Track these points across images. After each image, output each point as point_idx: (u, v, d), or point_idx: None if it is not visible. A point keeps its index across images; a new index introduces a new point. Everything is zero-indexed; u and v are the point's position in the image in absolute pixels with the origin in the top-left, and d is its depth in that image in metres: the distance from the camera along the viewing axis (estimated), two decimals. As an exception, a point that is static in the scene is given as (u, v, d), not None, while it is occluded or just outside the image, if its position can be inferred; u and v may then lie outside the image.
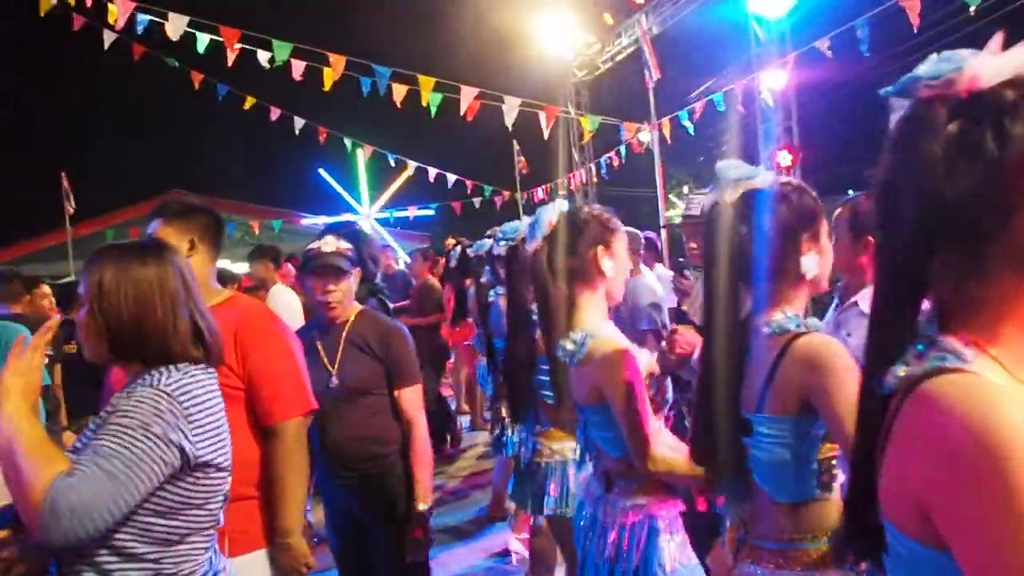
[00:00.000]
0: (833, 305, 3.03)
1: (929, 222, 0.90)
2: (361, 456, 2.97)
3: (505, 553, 4.92)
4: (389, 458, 2.99)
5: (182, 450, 1.71)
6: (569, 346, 2.25)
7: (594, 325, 2.27)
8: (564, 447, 3.09)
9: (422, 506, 2.92)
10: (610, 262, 2.31)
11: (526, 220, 2.72)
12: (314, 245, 2.98)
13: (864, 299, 2.80)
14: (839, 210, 2.89)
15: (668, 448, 2.15)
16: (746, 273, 1.71)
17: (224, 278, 4.74)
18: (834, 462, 1.65)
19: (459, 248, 5.58)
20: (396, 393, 3.00)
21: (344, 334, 2.99)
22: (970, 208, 0.87)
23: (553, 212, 2.44)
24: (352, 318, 3.03)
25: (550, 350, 2.45)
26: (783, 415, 1.62)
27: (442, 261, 10.66)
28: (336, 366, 2.96)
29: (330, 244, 2.95)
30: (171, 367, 1.79)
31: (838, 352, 1.59)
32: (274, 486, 2.42)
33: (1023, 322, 0.90)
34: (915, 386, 0.88)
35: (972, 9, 5.88)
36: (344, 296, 2.96)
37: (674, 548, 2.22)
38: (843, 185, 16.94)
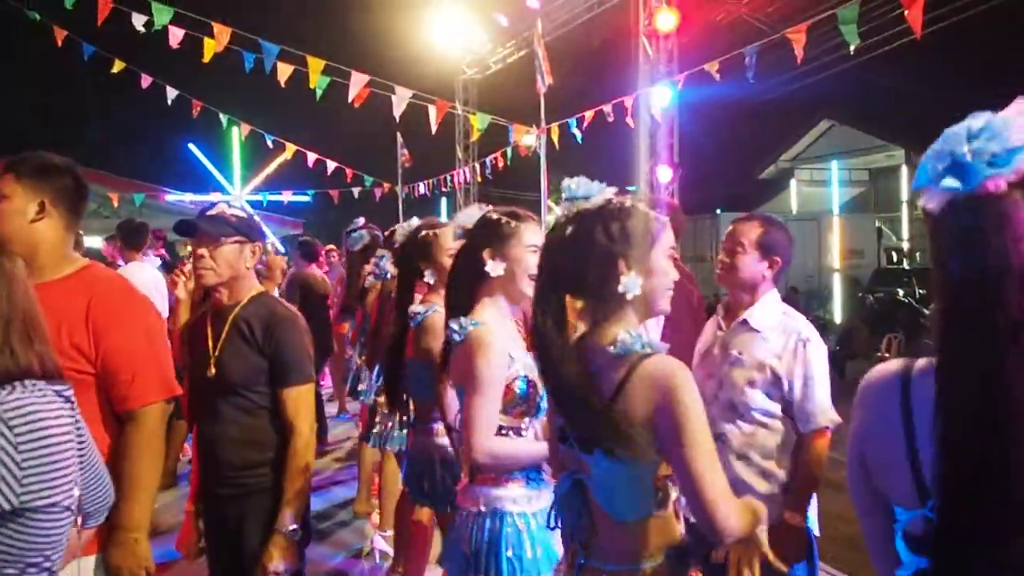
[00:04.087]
0: (715, 323, 3.00)
1: None
2: (236, 462, 2.60)
3: (368, 551, 4.81)
4: (265, 467, 2.60)
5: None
6: (455, 327, 2.34)
7: (485, 317, 2.37)
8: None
9: (286, 525, 2.53)
10: (498, 264, 2.39)
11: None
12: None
13: (753, 317, 2.81)
14: (738, 226, 2.88)
15: (505, 442, 2.27)
16: (576, 291, 1.76)
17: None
18: (670, 480, 1.69)
19: (364, 233, 5.27)
20: (279, 393, 2.60)
21: (231, 318, 2.63)
22: None
23: (466, 218, 2.61)
24: (244, 300, 2.66)
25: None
26: (628, 435, 1.61)
27: (324, 250, 10.40)
28: (216, 354, 2.61)
29: (217, 208, 2.67)
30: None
31: (684, 376, 1.62)
32: (125, 476, 2.18)
33: None
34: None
35: (852, 48, 6.25)
36: (220, 265, 2.60)
37: (527, 538, 2.28)
38: (714, 204, 17.77)
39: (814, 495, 2.83)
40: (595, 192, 1.79)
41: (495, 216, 2.47)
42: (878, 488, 1.22)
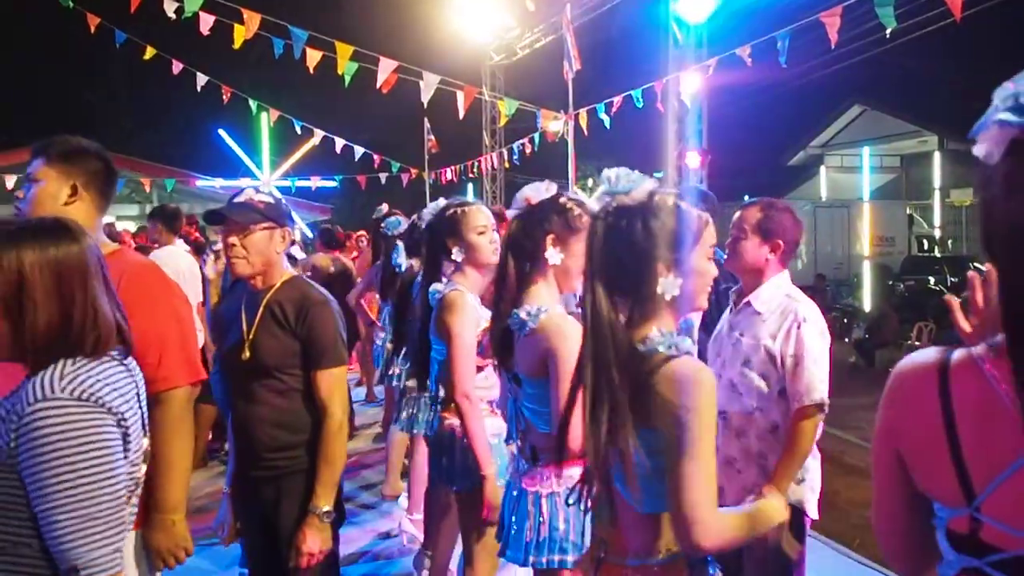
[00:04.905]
0: (728, 309, 3.08)
1: None
2: (269, 444, 2.63)
3: (397, 534, 4.86)
4: (299, 449, 2.63)
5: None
6: (523, 315, 2.32)
7: (547, 303, 2.36)
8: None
9: (320, 507, 2.56)
10: (557, 253, 2.38)
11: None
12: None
13: (757, 299, 2.89)
14: (742, 213, 2.96)
15: None
16: (615, 286, 1.72)
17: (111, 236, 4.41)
18: None
19: (401, 220, 5.27)
20: (313, 375, 2.62)
21: (264, 302, 2.65)
22: None
23: (533, 191, 2.57)
24: (277, 284, 2.68)
25: (494, 318, 2.54)
26: (654, 428, 1.63)
27: (355, 236, 10.48)
28: (251, 337, 2.63)
29: (244, 195, 2.68)
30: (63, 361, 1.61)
31: (704, 378, 1.62)
32: (157, 458, 2.20)
33: None
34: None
35: (888, 31, 6.13)
36: (251, 253, 2.61)
37: None
38: (741, 192, 17.59)
39: (818, 478, 2.91)
40: (636, 185, 1.74)
41: (569, 204, 2.42)
42: (918, 485, 1.17)
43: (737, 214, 2.99)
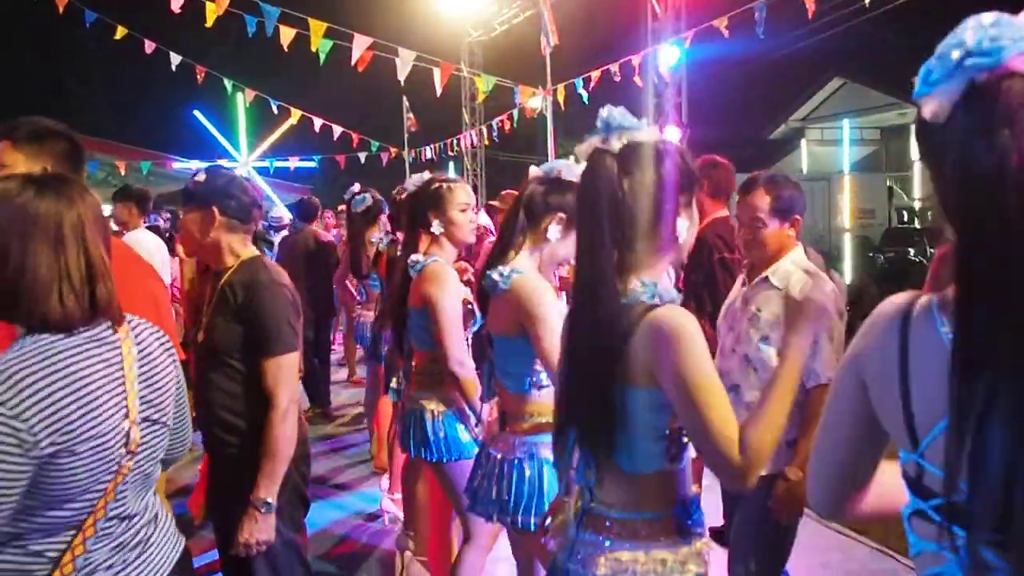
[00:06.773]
0: (739, 283, 3.08)
1: None
2: (220, 428, 2.54)
3: (378, 514, 4.85)
4: (244, 436, 2.50)
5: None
6: (495, 276, 2.37)
7: (524, 267, 2.42)
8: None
9: (260, 498, 2.42)
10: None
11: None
12: None
13: (775, 274, 2.82)
14: (748, 199, 2.86)
15: None
16: (621, 231, 1.60)
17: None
18: (683, 433, 1.63)
19: (368, 196, 5.35)
20: (259, 362, 2.47)
21: (220, 284, 2.54)
22: None
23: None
24: (233, 266, 2.55)
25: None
26: (637, 387, 1.57)
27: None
28: (206, 320, 2.55)
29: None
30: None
31: (685, 323, 1.54)
32: None
33: None
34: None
35: (868, 0, 6.10)
36: (187, 237, 2.58)
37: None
38: (723, 166, 17.56)
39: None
40: (642, 125, 1.65)
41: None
42: (877, 417, 1.16)
43: (739, 199, 2.91)
